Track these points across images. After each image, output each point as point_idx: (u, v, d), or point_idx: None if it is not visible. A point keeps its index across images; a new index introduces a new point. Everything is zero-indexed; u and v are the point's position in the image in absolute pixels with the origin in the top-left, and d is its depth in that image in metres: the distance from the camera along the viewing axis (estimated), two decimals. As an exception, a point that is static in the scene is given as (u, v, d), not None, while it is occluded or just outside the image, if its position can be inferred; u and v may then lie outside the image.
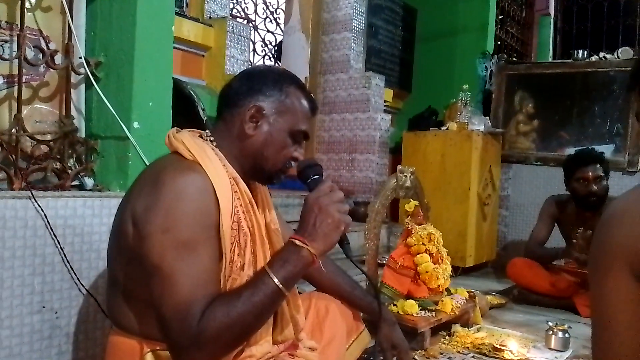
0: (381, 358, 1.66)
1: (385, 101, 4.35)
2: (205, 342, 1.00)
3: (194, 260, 1.04)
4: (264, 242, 1.23)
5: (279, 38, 4.80)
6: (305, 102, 1.27)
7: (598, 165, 2.99)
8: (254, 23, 4.69)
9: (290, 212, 3.21)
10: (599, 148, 3.31)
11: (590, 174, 2.96)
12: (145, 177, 1.16)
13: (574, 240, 3.04)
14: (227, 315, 1.02)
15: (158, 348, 1.13)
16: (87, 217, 1.68)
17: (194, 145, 1.16)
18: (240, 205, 1.17)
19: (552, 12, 6.33)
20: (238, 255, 1.14)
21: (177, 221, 1.04)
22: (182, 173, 1.09)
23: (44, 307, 1.58)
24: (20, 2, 1.66)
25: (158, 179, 1.09)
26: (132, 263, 1.11)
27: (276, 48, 4.80)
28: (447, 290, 2.45)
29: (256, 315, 1.07)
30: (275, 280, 1.07)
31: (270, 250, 1.25)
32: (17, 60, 1.66)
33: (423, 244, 2.29)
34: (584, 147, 3.35)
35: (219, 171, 1.14)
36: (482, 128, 3.88)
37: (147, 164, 1.81)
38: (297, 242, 1.11)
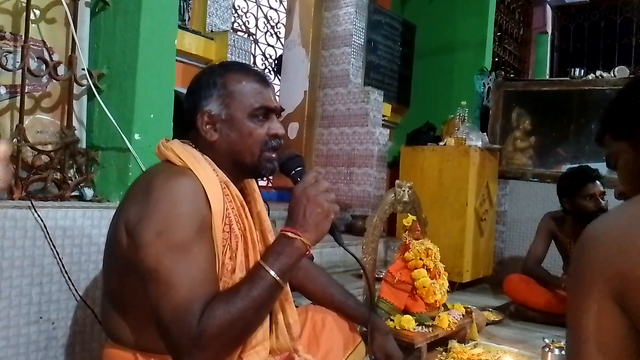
0: None
1: (383, 116, 4.37)
2: (207, 342, 1.00)
3: (189, 261, 1.05)
4: (255, 245, 1.23)
5: (279, 52, 4.84)
6: (247, 80, 1.22)
7: (600, 182, 3.00)
8: (254, 37, 4.73)
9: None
10: (595, 165, 3.32)
11: (597, 190, 2.97)
12: (136, 186, 1.17)
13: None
14: (227, 312, 1.02)
15: None
16: (86, 227, 1.68)
17: (184, 151, 1.17)
18: (232, 208, 1.18)
19: (550, 30, 6.41)
20: (229, 258, 1.15)
21: (171, 223, 1.05)
22: (173, 177, 1.10)
23: (41, 317, 1.58)
24: (25, 13, 1.68)
25: (149, 185, 1.10)
26: (128, 273, 1.10)
27: (276, 62, 4.84)
28: (444, 305, 2.45)
29: (256, 310, 1.07)
30: (272, 272, 1.07)
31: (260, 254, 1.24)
32: (20, 70, 1.67)
33: (420, 258, 2.29)
34: (580, 165, 3.35)
35: (209, 175, 1.14)
36: (479, 144, 3.91)
37: (147, 175, 1.81)
38: (290, 234, 1.11)
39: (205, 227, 1.10)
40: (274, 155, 1.24)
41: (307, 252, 1.13)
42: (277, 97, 1.28)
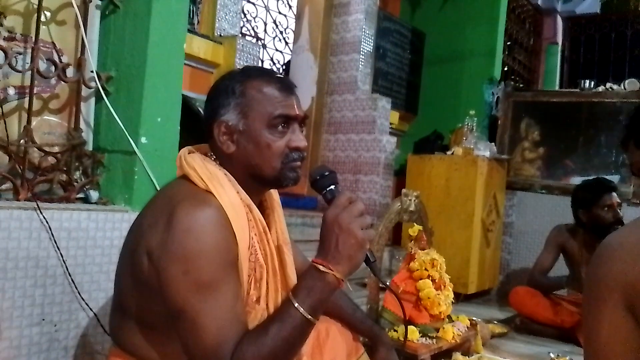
0: None
1: (391, 123, 4.37)
2: None
3: (217, 300, 1.01)
4: (276, 274, 1.18)
5: (287, 57, 4.84)
6: (268, 87, 1.14)
7: (616, 193, 2.98)
8: (263, 42, 4.74)
9: (293, 230, 3.18)
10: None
11: (615, 201, 2.95)
12: (158, 208, 1.10)
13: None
14: (258, 354, 0.99)
15: None
16: (91, 230, 1.68)
17: (206, 172, 1.11)
18: (255, 234, 1.13)
19: (560, 41, 6.38)
20: (254, 288, 1.12)
21: (197, 262, 1.00)
22: (198, 209, 1.03)
23: (43, 319, 1.57)
24: (36, 15, 1.68)
25: (172, 214, 1.03)
26: (145, 294, 1.08)
27: (284, 67, 4.85)
28: (449, 317, 2.42)
29: (287, 350, 1.03)
30: (302, 310, 1.01)
31: (280, 271, 1.20)
32: (29, 72, 1.67)
33: (426, 269, 2.27)
34: (596, 177, 3.32)
35: (233, 200, 1.09)
36: (487, 154, 3.89)
37: (153, 179, 1.81)
38: (321, 267, 1.03)
39: (232, 261, 1.05)
40: (298, 164, 1.16)
41: (339, 286, 1.05)
42: (301, 105, 1.18)
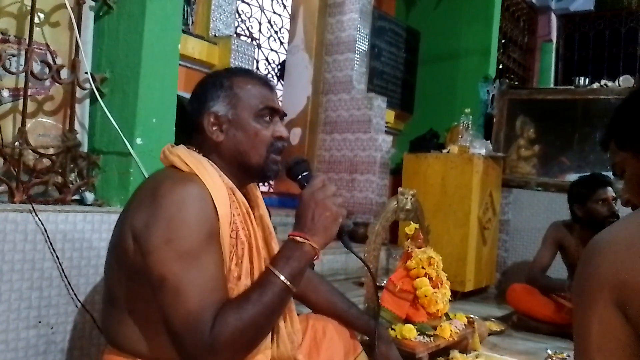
0: None
1: (386, 122, 4.37)
2: (220, 349, 1.00)
3: (199, 268, 1.04)
4: (260, 252, 1.23)
5: (283, 57, 4.84)
6: (253, 83, 1.24)
7: (611, 188, 3.00)
8: (258, 42, 4.73)
9: (288, 230, 3.19)
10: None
11: (609, 195, 2.96)
12: (142, 192, 1.16)
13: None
14: (240, 319, 1.02)
15: None
16: (87, 232, 1.67)
17: (190, 157, 1.17)
18: (238, 214, 1.18)
19: (554, 39, 6.40)
20: (235, 264, 1.15)
21: (179, 231, 1.04)
22: (180, 183, 1.09)
23: (40, 322, 1.57)
24: (29, 16, 1.67)
25: (156, 191, 1.09)
26: (133, 279, 1.10)
27: (279, 67, 4.84)
28: (446, 315, 2.43)
29: (267, 316, 1.07)
30: (282, 277, 1.07)
31: (265, 261, 1.24)
32: (23, 73, 1.66)
33: (423, 267, 2.27)
34: (593, 172, 3.33)
35: (216, 181, 1.14)
36: (483, 152, 3.89)
37: (149, 180, 1.81)
38: (298, 238, 1.12)
39: (214, 233, 1.09)
40: (279, 158, 1.25)
41: (316, 256, 1.14)
42: (280, 103, 1.31)
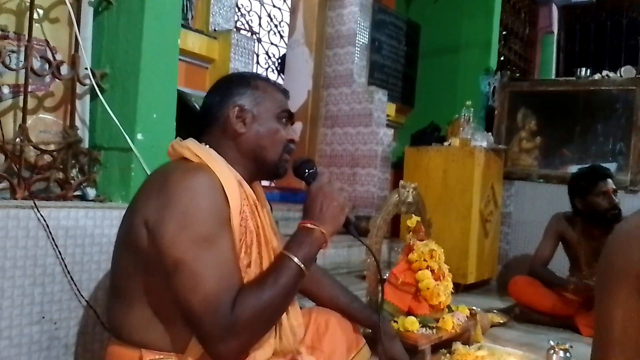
0: None
1: (387, 116, 4.36)
2: (240, 330, 1.04)
3: (215, 253, 1.07)
4: (268, 243, 1.26)
5: (283, 51, 4.83)
6: (275, 89, 1.34)
7: (611, 180, 2.99)
8: (258, 36, 4.72)
9: (291, 225, 3.18)
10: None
11: (610, 187, 2.95)
12: (151, 183, 1.17)
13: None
14: (259, 300, 1.06)
15: (157, 357, 1.12)
16: (89, 227, 1.68)
17: (200, 149, 1.21)
18: (247, 205, 1.21)
19: (556, 31, 6.37)
20: (245, 253, 1.18)
21: (194, 217, 1.07)
22: (192, 173, 1.12)
23: (43, 317, 1.57)
24: (28, 12, 1.67)
25: (167, 181, 1.11)
26: (148, 269, 1.11)
27: (279, 61, 4.83)
28: (448, 307, 2.43)
29: (284, 297, 1.12)
30: (296, 260, 1.12)
31: (272, 251, 1.27)
32: (23, 70, 1.66)
33: (424, 260, 2.27)
34: (592, 164, 3.32)
35: (225, 171, 1.17)
36: (484, 144, 3.88)
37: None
38: (309, 224, 1.18)
39: (226, 220, 1.12)
40: (289, 158, 1.33)
41: (325, 243, 1.19)
42: None
